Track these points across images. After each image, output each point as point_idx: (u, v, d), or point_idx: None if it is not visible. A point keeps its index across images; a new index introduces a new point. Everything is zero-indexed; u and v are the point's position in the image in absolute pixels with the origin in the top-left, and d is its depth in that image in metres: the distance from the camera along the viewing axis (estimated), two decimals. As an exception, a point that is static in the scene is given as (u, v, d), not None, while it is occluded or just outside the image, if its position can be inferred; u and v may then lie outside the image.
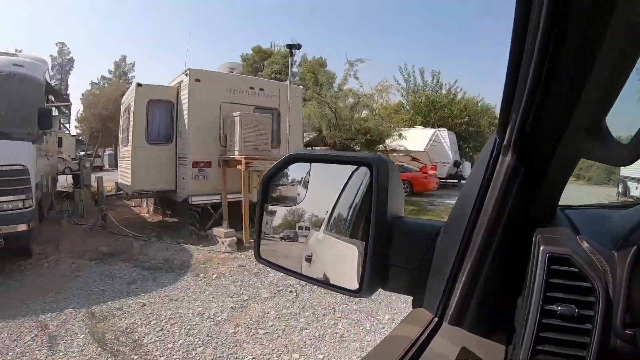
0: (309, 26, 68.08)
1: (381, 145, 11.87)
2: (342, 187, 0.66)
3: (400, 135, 12.29)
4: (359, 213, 0.62)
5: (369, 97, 12.35)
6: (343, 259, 0.65)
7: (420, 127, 18.52)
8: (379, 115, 12.10)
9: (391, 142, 12.10)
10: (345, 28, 69.91)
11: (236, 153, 6.43)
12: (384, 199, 0.56)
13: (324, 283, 0.65)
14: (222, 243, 6.10)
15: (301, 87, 9.38)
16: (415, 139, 15.13)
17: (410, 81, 22.80)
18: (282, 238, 0.71)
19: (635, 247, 0.42)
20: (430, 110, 21.70)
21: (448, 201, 12.00)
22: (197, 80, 6.82)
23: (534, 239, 0.48)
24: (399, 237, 0.59)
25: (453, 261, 0.54)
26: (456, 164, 17.69)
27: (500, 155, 0.51)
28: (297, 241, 0.70)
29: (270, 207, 0.73)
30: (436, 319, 0.56)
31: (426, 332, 0.54)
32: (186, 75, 6.86)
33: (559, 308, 0.42)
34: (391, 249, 0.59)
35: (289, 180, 0.72)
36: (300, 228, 0.70)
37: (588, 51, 0.37)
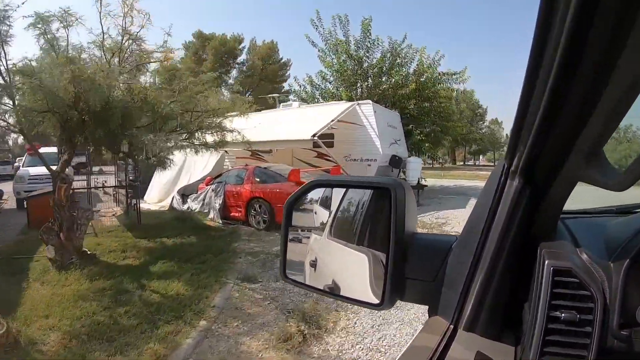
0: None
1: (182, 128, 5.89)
2: (342, 194, 0.72)
3: (223, 114, 6.53)
4: (365, 222, 0.69)
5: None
6: (352, 268, 0.70)
7: (334, 102, 12.06)
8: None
9: (222, 121, 6.51)
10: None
11: None
12: (401, 219, 0.62)
13: (347, 298, 0.69)
14: None
15: None
16: (307, 120, 9.53)
17: (331, 39, 14.05)
18: (290, 240, 0.74)
19: (629, 258, 0.48)
20: (360, 76, 13.56)
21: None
22: None
23: (538, 253, 0.54)
24: (415, 252, 0.65)
25: (467, 273, 0.60)
26: (395, 163, 10.09)
27: (508, 180, 0.58)
28: (301, 242, 0.74)
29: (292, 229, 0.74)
30: (452, 326, 0.60)
31: (444, 339, 0.59)
32: None
33: (563, 314, 0.47)
34: (407, 264, 0.64)
35: (307, 200, 0.75)
36: (303, 230, 0.74)
37: (594, 88, 0.41)
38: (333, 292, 0.70)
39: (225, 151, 8.94)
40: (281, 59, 32.37)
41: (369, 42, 13.74)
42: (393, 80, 13.47)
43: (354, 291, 0.68)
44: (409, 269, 0.64)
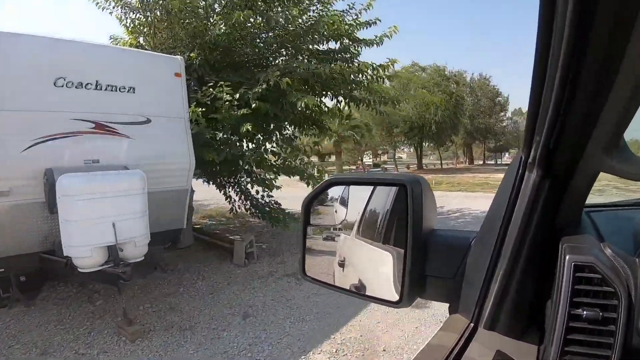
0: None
1: None
2: (370, 192, 0.73)
3: None
4: (390, 220, 0.70)
5: None
6: (378, 266, 0.70)
7: None
8: None
9: None
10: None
11: None
12: (419, 216, 0.62)
13: (367, 296, 0.69)
14: None
15: None
16: None
17: None
18: (324, 239, 0.76)
19: None
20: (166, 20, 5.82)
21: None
22: None
23: (560, 248, 0.53)
24: (434, 249, 0.65)
25: (486, 270, 0.59)
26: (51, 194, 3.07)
27: (526, 172, 0.56)
28: (334, 240, 0.76)
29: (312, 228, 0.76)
30: (472, 325, 0.60)
31: (463, 338, 0.58)
32: None
33: (585, 312, 0.46)
34: (427, 260, 0.64)
35: (328, 199, 0.76)
36: (335, 229, 0.76)
37: (607, 72, 0.39)
38: (356, 290, 0.70)
39: None
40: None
41: None
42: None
43: (379, 289, 0.68)
44: (429, 266, 0.64)
